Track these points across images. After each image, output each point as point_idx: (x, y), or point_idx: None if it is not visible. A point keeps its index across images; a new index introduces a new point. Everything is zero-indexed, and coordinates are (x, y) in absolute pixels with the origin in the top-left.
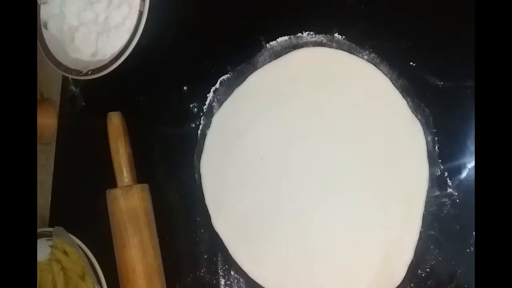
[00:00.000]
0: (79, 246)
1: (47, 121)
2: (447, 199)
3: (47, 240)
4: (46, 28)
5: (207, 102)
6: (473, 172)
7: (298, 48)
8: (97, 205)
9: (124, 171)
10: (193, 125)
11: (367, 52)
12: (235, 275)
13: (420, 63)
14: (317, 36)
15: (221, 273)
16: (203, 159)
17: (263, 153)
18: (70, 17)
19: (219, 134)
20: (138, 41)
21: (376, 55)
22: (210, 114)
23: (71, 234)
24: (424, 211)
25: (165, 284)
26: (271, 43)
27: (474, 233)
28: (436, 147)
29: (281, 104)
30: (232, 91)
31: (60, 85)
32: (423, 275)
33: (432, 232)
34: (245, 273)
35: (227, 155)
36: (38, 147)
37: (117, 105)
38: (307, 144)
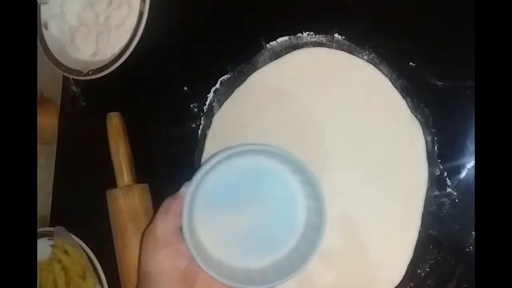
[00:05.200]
0: (80, 246)
1: (47, 121)
2: (446, 199)
3: (48, 239)
4: (47, 28)
5: (207, 102)
6: (472, 172)
7: (298, 48)
8: (98, 205)
9: (124, 171)
10: (193, 125)
11: (367, 52)
12: None
13: (420, 63)
14: (317, 36)
15: None
16: (203, 159)
17: None
18: (71, 17)
19: (219, 134)
20: (139, 41)
21: (376, 55)
22: (210, 114)
23: (72, 234)
24: (424, 210)
25: None
26: (271, 43)
27: (473, 233)
28: (436, 147)
29: (281, 104)
30: (232, 91)
31: (60, 85)
32: (422, 274)
33: (431, 231)
34: None
35: None
36: (39, 147)
37: (117, 105)
38: (306, 144)
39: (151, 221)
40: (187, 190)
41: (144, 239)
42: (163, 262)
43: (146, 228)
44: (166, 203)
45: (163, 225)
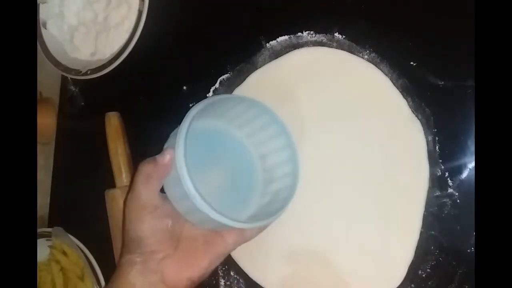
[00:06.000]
0: (78, 247)
1: (46, 121)
2: (447, 199)
3: (46, 240)
4: (46, 28)
5: None
6: (474, 172)
7: (298, 48)
8: (96, 206)
9: (123, 171)
10: None
11: (368, 51)
12: (235, 276)
13: (421, 63)
14: (317, 35)
15: (221, 274)
16: None
17: None
18: (70, 17)
19: None
20: (137, 40)
21: (376, 55)
22: None
23: (70, 234)
24: (425, 211)
25: None
26: (271, 42)
27: (474, 233)
28: (437, 147)
29: (281, 104)
30: (232, 91)
31: (59, 85)
32: (423, 275)
33: (432, 232)
34: (245, 273)
35: None
36: (37, 148)
37: (116, 104)
38: (306, 143)
39: (131, 188)
40: (177, 150)
41: (128, 207)
42: (153, 225)
43: (127, 196)
44: (146, 170)
45: (147, 191)
